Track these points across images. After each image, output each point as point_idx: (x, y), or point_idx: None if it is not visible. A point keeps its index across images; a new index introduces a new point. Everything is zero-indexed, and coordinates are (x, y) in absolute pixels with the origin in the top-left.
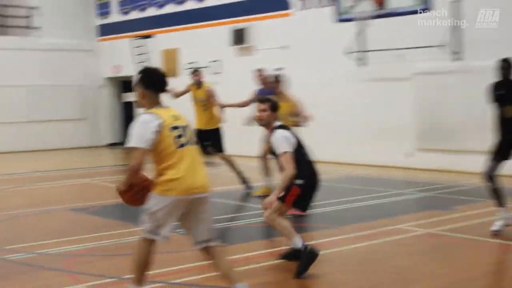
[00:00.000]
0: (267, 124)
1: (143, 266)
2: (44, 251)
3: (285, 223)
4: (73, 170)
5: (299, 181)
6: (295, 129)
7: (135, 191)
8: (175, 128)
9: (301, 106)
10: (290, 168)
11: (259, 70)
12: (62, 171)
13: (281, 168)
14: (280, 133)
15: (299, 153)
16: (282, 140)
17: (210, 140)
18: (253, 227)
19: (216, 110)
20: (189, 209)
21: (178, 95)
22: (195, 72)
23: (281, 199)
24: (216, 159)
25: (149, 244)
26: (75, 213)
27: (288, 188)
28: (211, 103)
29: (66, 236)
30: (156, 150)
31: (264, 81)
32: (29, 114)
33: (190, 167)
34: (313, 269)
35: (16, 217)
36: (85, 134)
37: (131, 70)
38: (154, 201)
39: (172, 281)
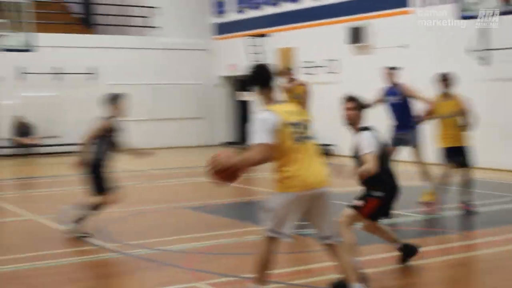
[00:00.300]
0: (353, 124)
1: (265, 265)
2: (166, 247)
3: (351, 238)
4: (190, 168)
5: (378, 193)
6: (463, 133)
7: (227, 173)
8: (292, 124)
9: (469, 105)
10: (373, 166)
11: (388, 68)
12: (179, 169)
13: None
14: (367, 133)
15: (381, 161)
16: (370, 141)
17: None
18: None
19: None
20: (311, 205)
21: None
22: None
23: (358, 208)
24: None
25: (271, 243)
26: (192, 211)
27: (366, 199)
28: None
29: (185, 233)
30: (275, 147)
31: (391, 80)
32: (149, 112)
33: (308, 163)
34: (446, 272)
35: (137, 214)
36: (201, 132)
37: (246, 69)
38: (275, 199)
39: (291, 282)
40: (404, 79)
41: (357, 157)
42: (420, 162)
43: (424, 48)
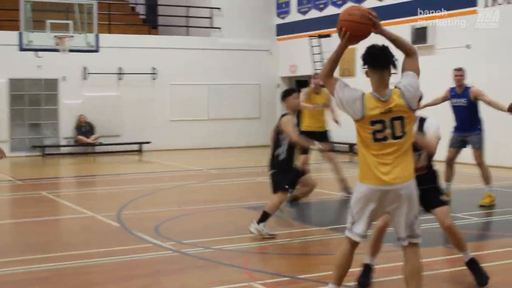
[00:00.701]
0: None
1: (340, 265)
2: (221, 247)
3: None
4: (248, 168)
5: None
6: None
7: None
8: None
9: None
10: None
11: (458, 70)
12: (237, 169)
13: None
14: (431, 120)
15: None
16: (435, 125)
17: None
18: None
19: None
20: (387, 203)
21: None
22: (315, 75)
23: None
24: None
25: (347, 243)
26: (248, 210)
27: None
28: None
29: (241, 233)
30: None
31: (459, 82)
32: (210, 112)
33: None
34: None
35: (194, 213)
36: (261, 132)
37: (307, 70)
38: (355, 190)
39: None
40: (467, 80)
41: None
42: (481, 164)
43: (489, 49)
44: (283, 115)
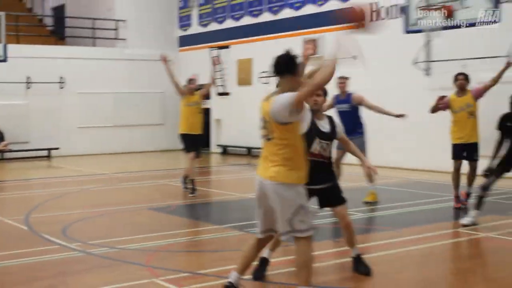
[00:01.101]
0: (319, 110)
1: (245, 256)
2: (126, 246)
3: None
4: (152, 171)
5: None
6: None
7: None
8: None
9: None
10: None
11: (341, 78)
12: (142, 173)
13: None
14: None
15: None
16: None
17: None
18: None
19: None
20: (265, 197)
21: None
22: (191, 80)
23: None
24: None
25: (254, 237)
26: (153, 211)
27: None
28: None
29: (145, 233)
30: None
31: (342, 89)
32: (116, 119)
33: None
34: (373, 269)
35: (100, 215)
36: (164, 138)
37: (207, 79)
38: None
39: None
40: (357, 87)
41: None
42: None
43: (373, 60)
44: None
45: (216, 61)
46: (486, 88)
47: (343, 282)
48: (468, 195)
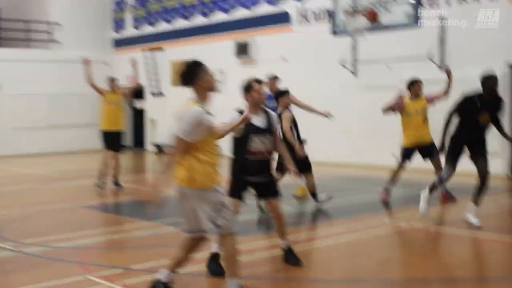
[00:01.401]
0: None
1: (180, 252)
2: (60, 244)
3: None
4: (87, 171)
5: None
6: None
7: None
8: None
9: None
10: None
11: (272, 78)
12: (77, 172)
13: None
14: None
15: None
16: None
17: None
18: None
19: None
20: (186, 200)
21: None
22: (112, 79)
23: None
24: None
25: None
26: (89, 210)
27: None
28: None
29: (79, 231)
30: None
31: (271, 88)
32: (51, 119)
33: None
34: (304, 260)
35: (35, 214)
36: (98, 138)
37: (142, 80)
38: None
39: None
40: (286, 88)
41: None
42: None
43: (302, 62)
44: None
45: (145, 63)
46: (439, 97)
47: (275, 273)
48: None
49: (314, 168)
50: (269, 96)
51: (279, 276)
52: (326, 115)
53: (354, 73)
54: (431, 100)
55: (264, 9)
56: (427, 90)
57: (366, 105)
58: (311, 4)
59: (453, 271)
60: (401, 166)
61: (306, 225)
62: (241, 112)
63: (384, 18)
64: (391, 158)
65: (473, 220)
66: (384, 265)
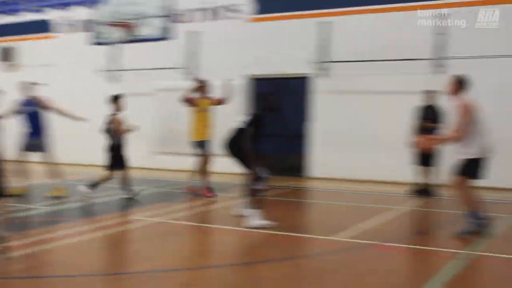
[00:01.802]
0: None
1: None
2: None
3: None
4: None
5: None
6: None
7: None
8: None
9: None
10: None
11: (26, 83)
12: None
13: None
14: None
15: None
16: None
17: None
18: None
19: None
20: None
21: None
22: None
23: None
24: None
25: None
26: None
27: None
28: None
29: None
30: None
31: (28, 93)
32: None
33: None
34: (51, 257)
35: None
36: None
37: None
38: None
39: None
40: (48, 93)
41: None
42: (50, 163)
43: (65, 68)
44: None
45: None
46: (221, 102)
47: (29, 270)
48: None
49: (69, 169)
50: (24, 100)
51: (33, 274)
52: (79, 119)
53: (113, 79)
54: (219, 101)
55: (29, 16)
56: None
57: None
58: (73, 14)
59: (193, 259)
60: (205, 161)
61: (56, 224)
62: None
63: (140, 30)
64: (142, 159)
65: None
66: (129, 258)
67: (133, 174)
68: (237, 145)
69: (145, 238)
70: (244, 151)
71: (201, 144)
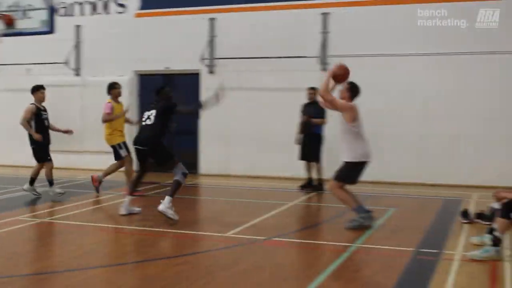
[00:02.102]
0: None
1: None
2: None
3: None
4: None
5: None
6: None
7: None
8: None
9: None
10: None
11: None
12: None
13: None
14: None
15: None
16: None
17: None
18: None
19: None
20: None
21: None
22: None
23: None
24: None
25: None
26: None
27: None
28: None
29: None
30: None
31: None
32: None
33: None
34: None
35: None
36: None
37: None
38: None
39: None
40: None
41: None
42: None
43: None
44: None
45: None
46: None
47: None
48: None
49: None
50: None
51: None
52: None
53: None
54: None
55: None
56: (63, 92)
57: (6, 106)
58: None
59: (78, 258)
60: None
61: None
62: None
63: (22, 23)
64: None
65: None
66: (13, 260)
67: (20, 172)
68: (155, 141)
69: (29, 239)
70: (162, 146)
71: (121, 147)
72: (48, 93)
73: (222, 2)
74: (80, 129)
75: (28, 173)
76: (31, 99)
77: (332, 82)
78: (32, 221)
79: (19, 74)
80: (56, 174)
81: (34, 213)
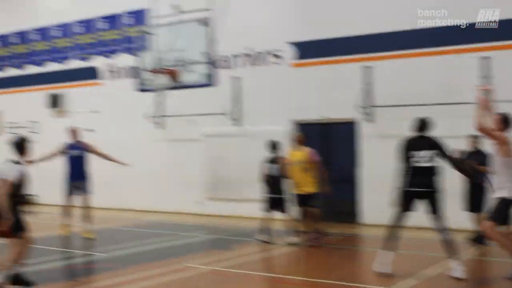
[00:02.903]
0: None
1: None
2: None
3: None
4: None
5: None
6: None
7: None
8: None
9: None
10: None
11: (72, 128)
12: None
13: None
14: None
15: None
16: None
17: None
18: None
19: None
20: None
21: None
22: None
23: None
24: None
25: None
26: None
27: None
28: None
29: None
30: None
31: (74, 137)
32: None
33: None
34: None
35: None
36: None
37: None
38: None
39: None
40: (93, 138)
41: None
42: (88, 206)
43: (111, 114)
44: None
45: None
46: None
47: None
48: None
49: (126, 215)
50: (69, 144)
51: None
52: (123, 163)
53: (159, 125)
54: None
55: (75, 64)
56: (224, 142)
57: (171, 156)
58: (118, 61)
59: None
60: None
61: (105, 271)
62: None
63: (185, 77)
64: (193, 205)
65: None
66: None
67: (187, 220)
68: (436, 185)
69: (195, 286)
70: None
71: (312, 196)
72: (208, 142)
73: (378, 49)
74: (239, 177)
75: (193, 221)
76: (195, 149)
77: (484, 112)
78: (201, 269)
79: (183, 124)
80: (218, 221)
81: (203, 261)
